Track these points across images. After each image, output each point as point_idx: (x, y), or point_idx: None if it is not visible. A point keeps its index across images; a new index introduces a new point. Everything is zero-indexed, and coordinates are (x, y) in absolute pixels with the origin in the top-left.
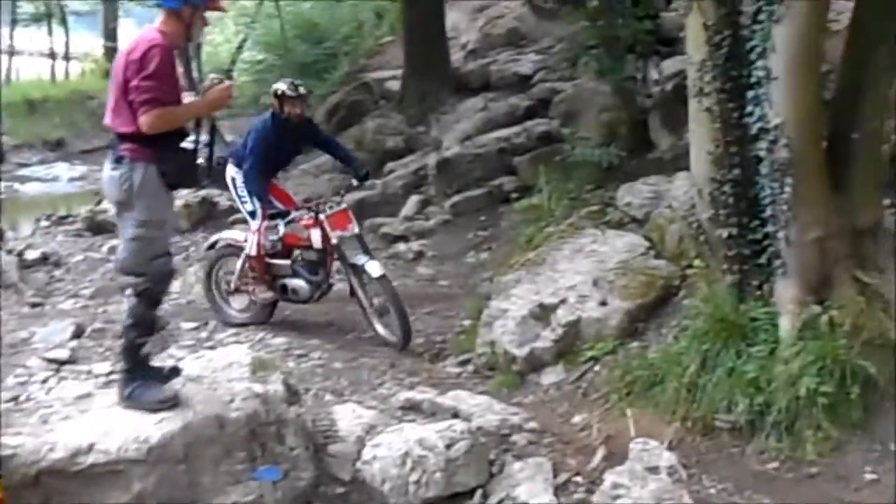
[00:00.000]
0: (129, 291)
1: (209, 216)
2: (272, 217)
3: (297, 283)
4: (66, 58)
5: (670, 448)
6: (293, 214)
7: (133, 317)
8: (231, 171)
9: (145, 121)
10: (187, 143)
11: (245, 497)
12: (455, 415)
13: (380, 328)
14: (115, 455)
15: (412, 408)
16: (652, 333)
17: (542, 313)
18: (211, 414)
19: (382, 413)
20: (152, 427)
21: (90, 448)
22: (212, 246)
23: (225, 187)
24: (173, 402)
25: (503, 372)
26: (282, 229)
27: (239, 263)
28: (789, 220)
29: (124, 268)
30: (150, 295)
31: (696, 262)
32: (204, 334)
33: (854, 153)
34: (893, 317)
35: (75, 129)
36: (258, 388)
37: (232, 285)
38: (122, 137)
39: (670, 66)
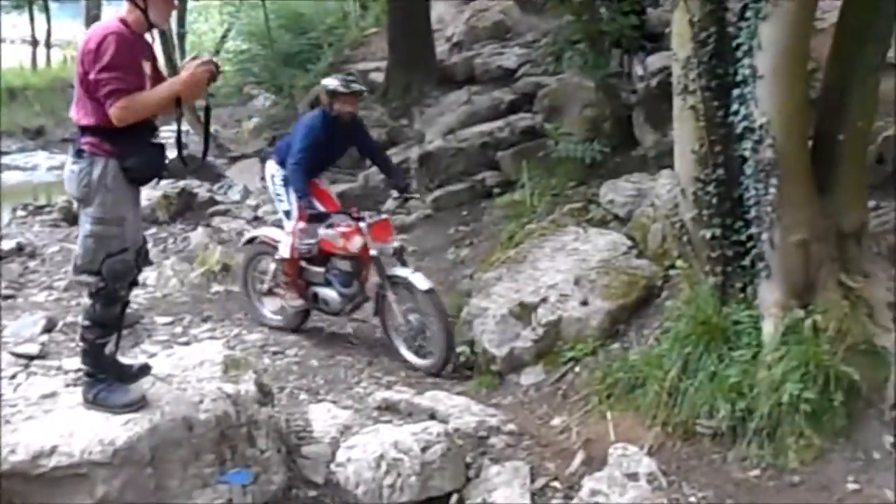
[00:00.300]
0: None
1: (188, 207)
2: (310, 219)
3: (329, 293)
4: (48, 45)
5: (650, 454)
6: (331, 219)
7: (90, 318)
8: (270, 167)
9: (114, 113)
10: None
11: (213, 501)
12: (432, 416)
13: (405, 351)
14: (78, 458)
15: (389, 408)
16: (633, 335)
17: (523, 312)
18: (179, 415)
19: (358, 413)
20: (118, 429)
21: (53, 450)
22: (250, 241)
23: (210, 180)
24: (140, 405)
25: (482, 372)
26: (321, 232)
27: (273, 265)
28: (773, 221)
29: (78, 266)
30: (107, 294)
31: (679, 263)
32: (178, 329)
33: (840, 154)
34: (878, 322)
35: (56, 118)
36: (229, 388)
37: (265, 286)
38: (84, 130)
39: (656, 61)
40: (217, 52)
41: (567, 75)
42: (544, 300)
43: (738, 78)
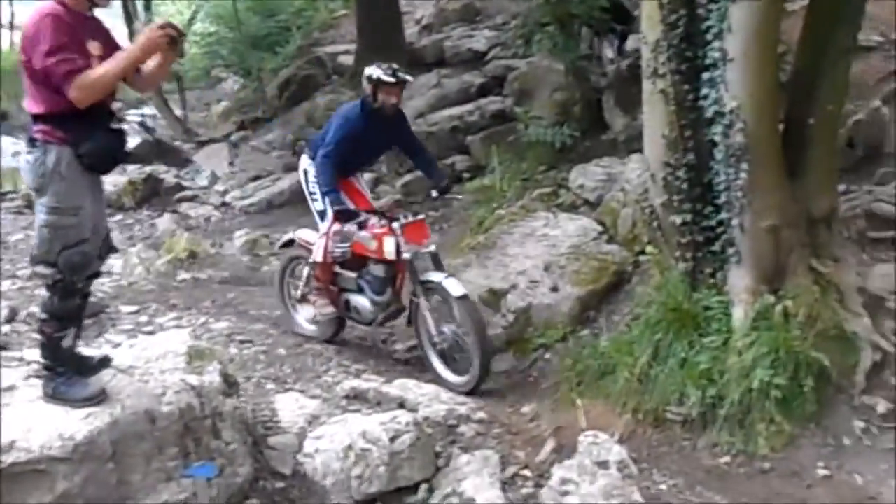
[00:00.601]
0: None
1: (155, 193)
2: (337, 217)
3: (361, 300)
4: (11, 28)
5: (621, 441)
6: (361, 218)
7: (47, 311)
8: (304, 162)
9: (74, 96)
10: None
11: (177, 495)
12: (401, 405)
13: (438, 366)
14: (37, 453)
15: (357, 397)
16: (604, 321)
17: (493, 299)
18: (141, 408)
19: (326, 403)
20: (78, 423)
21: (11, 446)
22: (287, 244)
23: (177, 165)
24: (100, 399)
25: None
26: (354, 234)
27: (306, 269)
28: (744, 206)
29: (34, 257)
30: (65, 287)
31: (649, 249)
32: (144, 318)
33: (810, 138)
34: (848, 307)
35: (19, 102)
36: (193, 379)
37: (299, 292)
38: (35, 119)
39: (626, 44)
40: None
41: (537, 58)
42: (514, 286)
43: (709, 61)
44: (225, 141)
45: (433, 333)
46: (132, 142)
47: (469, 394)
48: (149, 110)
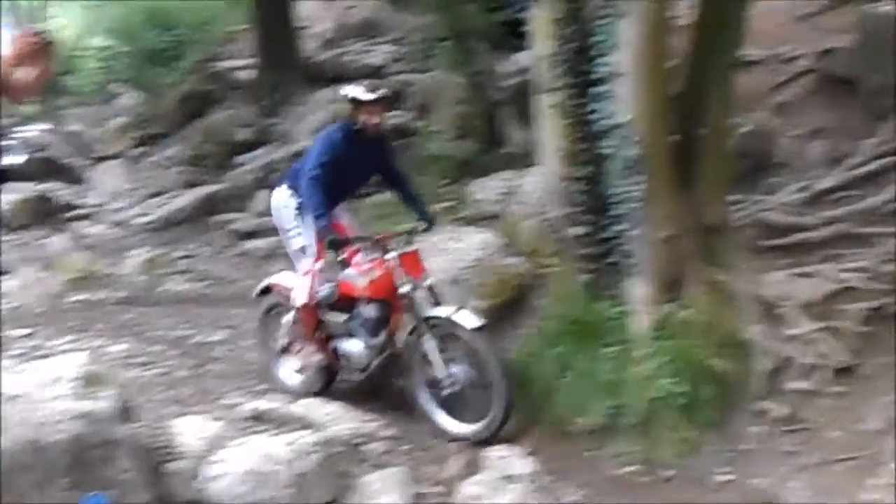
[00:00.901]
0: None
1: (47, 212)
2: (328, 245)
3: (351, 345)
4: None
5: (528, 454)
6: (352, 247)
7: None
8: (280, 196)
9: None
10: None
11: None
12: (306, 425)
13: (441, 414)
14: None
15: (260, 418)
16: (508, 334)
17: None
18: (27, 438)
19: (228, 425)
20: None
21: None
22: (264, 292)
23: (71, 182)
24: None
25: None
26: (341, 273)
27: (288, 316)
28: (640, 218)
29: None
30: None
31: (550, 261)
32: (35, 342)
33: (702, 150)
34: (744, 314)
35: None
36: (86, 405)
37: (281, 343)
38: None
39: (524, 58)
40: (76, 50)
41: (437, 73)
42: None
43: (600, 75)
44: (121, 157)
45: (441, 376)
46: (18, 159)
47: (485, 443)
48: (43, 126)
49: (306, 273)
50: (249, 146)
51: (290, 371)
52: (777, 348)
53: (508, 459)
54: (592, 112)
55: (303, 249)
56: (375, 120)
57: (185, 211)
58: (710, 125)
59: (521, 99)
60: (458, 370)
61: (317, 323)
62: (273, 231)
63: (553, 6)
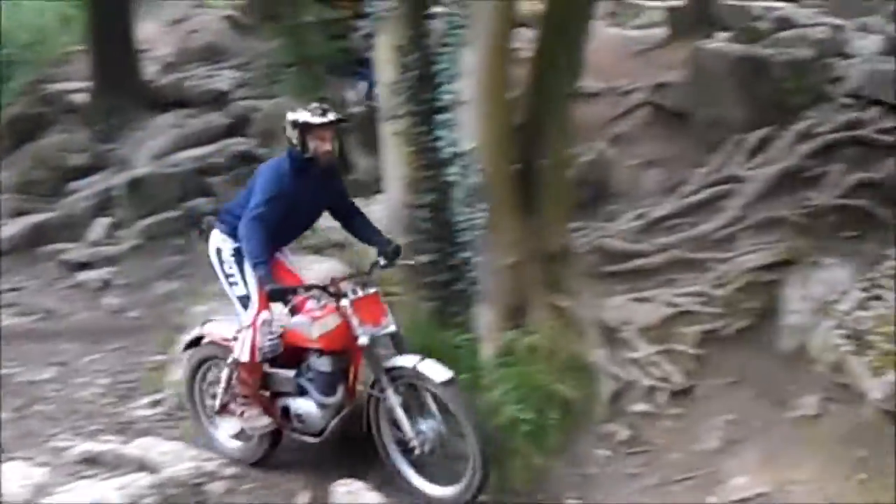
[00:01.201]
0: None
1: None
2: (270, 297)
3: (304, 405)
4: None
5: (376, 488)
6: (299, 295)
7: None
8: (217, 238)
9: None
10: None
11: None
12: (142, 466)
13: (414, 477)
14: None
15: (92, 461)
16: None
17: None
18: None
19: (56, 470)
20: None
21: None
22: (193, 343)
23: None
24: None
25: None
26: (288, 321)
27: (225, 373)
28: (484, 245)
29: None
30: None
31: (396, 289)
32: None
33: (543, 178)
34: (587, 339)
35: None
36: None
37: (217, 402)
38: None
39: (368, 86)
40: None
41: (283, 99)
42: None
43: (443, 103)
44: None
45: (409, 435)
46: None
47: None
48: None
49: (248, 326)
50: (84, 172)
51: (227, 434)
52: (619, 372)
53: (358, 493)
54: (436, 140)
55: (243, 300)
56: (327, 147)
57: (12, 241)
58: (551, 154)
59: (367, 126)
60: (427, 428)
61: (261, 379)
62: (109, 261)
63: (396, 33)
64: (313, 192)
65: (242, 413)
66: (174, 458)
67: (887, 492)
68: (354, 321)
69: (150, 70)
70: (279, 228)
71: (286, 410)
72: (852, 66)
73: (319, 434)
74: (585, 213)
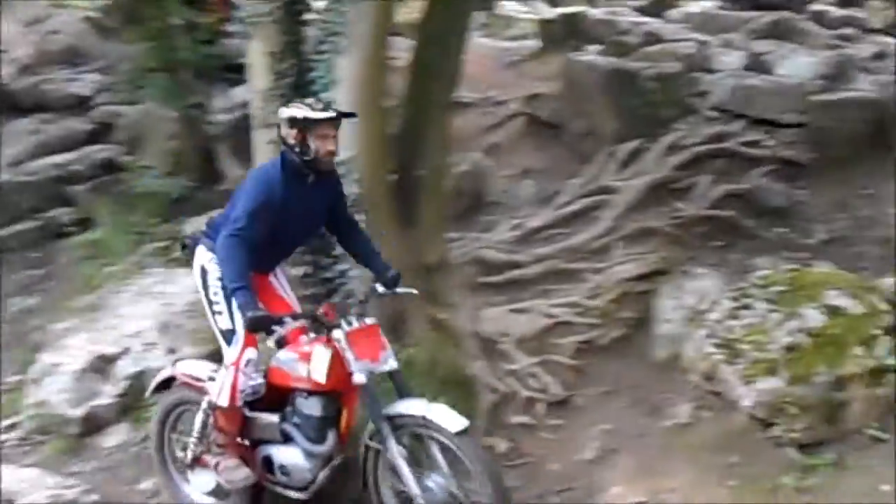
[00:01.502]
0: None
1: None
2: (252, 326)
3: (289, 455)
4: None
5: None
6: (280, 331)
7: None
8: (202, 257)
9: None
10: None
11: None
12: None
13: None
14: None
15: None
16: None
17: (103, 365)
18: None
19: None
20: None
21: None
22: (163, 385)
23: None
24: None
25: (58, 436)
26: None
27: (199, 418)
28: None
29: None
30: None
31: None
32: None
33: (420, 189)
34: (465, 351)
35: None
36: None
37: (189, 453)
38: None
39: (240, 93)
40: None
41: (148, 105)
42: (126, 350)
43: None
44: None
45: (413, 492)
46: None
47: None
48: None
49: (231, 366)
50: None
51: (201, 491)
52: (497, 384)
53: None
54: None
55: (227, 335)
56: (331, 146)
57: None
58: (428, 164)
59: (238, 134)
60: (435, 484)
61: (241, 426)
62: None
63: (269, 40)
64: (310, 201)
65: (218, 465)
66: (31, 486)
67: (758, 497)
68: (349, 355)
69: (5, 72)
70: (270, 243)
71: (268, 461)
72: (716, 81)
73: (306, 488)
74: (462, 223)
